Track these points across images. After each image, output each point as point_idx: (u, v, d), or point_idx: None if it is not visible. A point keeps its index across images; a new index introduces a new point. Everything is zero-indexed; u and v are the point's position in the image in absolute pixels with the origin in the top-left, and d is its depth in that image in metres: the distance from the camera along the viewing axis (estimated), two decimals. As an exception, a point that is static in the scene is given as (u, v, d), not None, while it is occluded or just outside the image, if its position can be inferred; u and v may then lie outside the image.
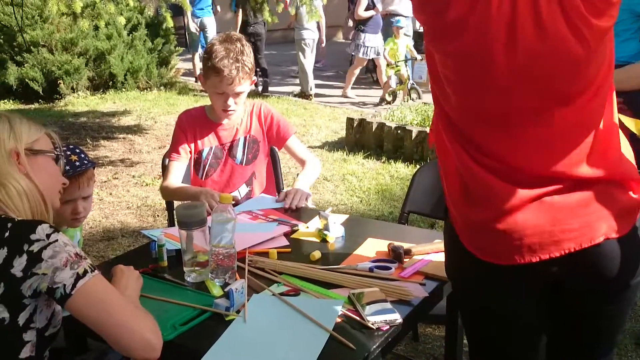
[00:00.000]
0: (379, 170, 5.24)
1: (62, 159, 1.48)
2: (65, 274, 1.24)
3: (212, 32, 9.12)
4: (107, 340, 1.28)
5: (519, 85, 1.21)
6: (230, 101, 2.30)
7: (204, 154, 2.41)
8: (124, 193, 4.73)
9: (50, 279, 1.23)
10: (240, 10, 8.67)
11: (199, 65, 9.48)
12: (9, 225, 1.27)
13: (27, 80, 7.75)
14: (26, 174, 1.36)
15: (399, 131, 5.57)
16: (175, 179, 2.36)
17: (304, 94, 8.55)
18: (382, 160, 5.49)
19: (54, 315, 1.34)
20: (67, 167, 1.72)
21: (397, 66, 7.81)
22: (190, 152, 2.41)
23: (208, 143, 2.42)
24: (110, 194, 4.71)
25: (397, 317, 1.43)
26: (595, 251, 1.26)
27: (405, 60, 7.81)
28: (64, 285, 1.24)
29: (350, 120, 6.02)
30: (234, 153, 2.43)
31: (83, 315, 1.27)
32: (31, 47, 7.80)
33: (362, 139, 5.86)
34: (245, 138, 2.44)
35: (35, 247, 1.24)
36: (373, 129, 5.77)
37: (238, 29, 8.54)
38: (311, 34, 8.32)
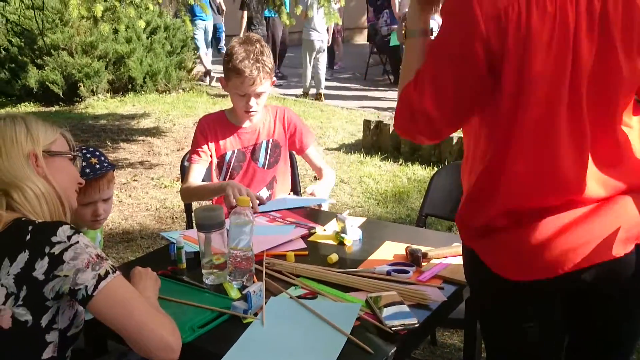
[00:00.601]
0: (396, 173, 5.23)
1: (78, 159, 1.49)
2: (87, 275, 1.25)
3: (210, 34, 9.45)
4: (127, 341, 1.30)
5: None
6: (252, 102, 2.32)
7: (227, 157, 2.43)
8: (143, 195, 4.77)
9: (72, 281, 1.25)
10: (245, 12, 8.83)
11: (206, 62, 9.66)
12: (30, 228, 1.28)
13: (47, 83, 7.85)
14: (44, 176, 1.37)
15: (416, 133, 5.55)
16: (195, 180, 2.38)
17: (305, 94, 8.63)
18: (399, 163, 5.47)
19: (76, 316, 1.35)
20: (87, 170, 1.74)
21: None
22: (211, 155, 2.42)
23: (230, 146, 2.43)
24: (130, 195, 4.75)
25: (415, 321, 1.43)
26: (627, 258, 1.27)
27: None
28: (86, 286, 1.25)
29: (367, 123, 6.01)
30: (256, 156, 2.44)
31: (104, 315, 1.28)
32: (52, 50, 7.90)
33: (379, 141, 5.85)
34: (268, 142, 2.45)
35: (56, 250, 1.25)
36: (390, 131, 5.75)
37: (242, 30, 8.68)
38: (318, 35, 8.35)
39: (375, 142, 5.89)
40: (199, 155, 2.40)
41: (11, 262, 1.25)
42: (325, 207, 2.35)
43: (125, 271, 1.56)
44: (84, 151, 1.78)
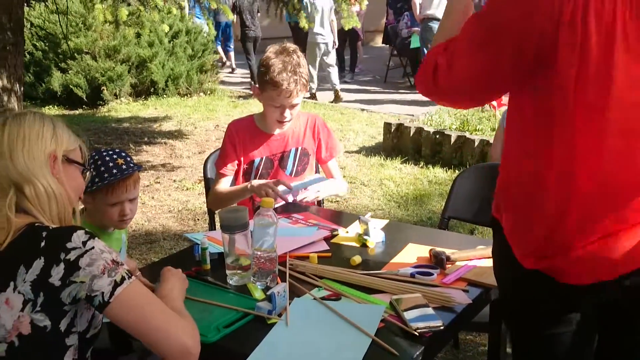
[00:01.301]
0: (417, 176, 5.21)
1: (88, 173, 1.50)
2: (103, 281, 1.25)
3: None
4: (146, 344, 1.30)
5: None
6: (287, 113, 2.31)
7: (255, 164, 2.42)
8: (165, 197, 4.81)
9: (89, 287, 1.25)
10: (237, 15, 8.97)
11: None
12: (44, 234, 1.28)
13: (71, 86, 7.97)
14: (58, 178, 1.37)
15: (437, 136, 5.53)
16: (224, 189, 2.42)
17: (312, 96, 8.68)
18: (420, 165, 5.45)
19: (94, 317, 1.36)
20: (115, 171, 1.76)
21: None
22: (239, 163, 2.42)
23: (259, 153, 2.42)
24: (152, 198, 4.80)
25: (440, 324, 1.42)
26: None
27: None
28: (102, 293, 1.25)
29: (387, 125, 6.00)
30: (284, 164, 2.44)
31: (121, 321, 1.28)
32: (75, 54, 8.02)
33: (400, 144, 5.84)
34: (296, 149, 2.45)
35: (72, 256, 1.25)
36: (411, 134, 5.74)
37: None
38: (322, 37, 8.37)
39: (395, 144, 5.88)
40: (227, 167, 2.41)
41: (27, 269, 1.25)
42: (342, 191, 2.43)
43: (149, 272, 1.59)
44: (111, 152, 1.80)
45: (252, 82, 9.82)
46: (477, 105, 1.49)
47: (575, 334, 1.34)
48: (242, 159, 2.41)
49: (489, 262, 1.74)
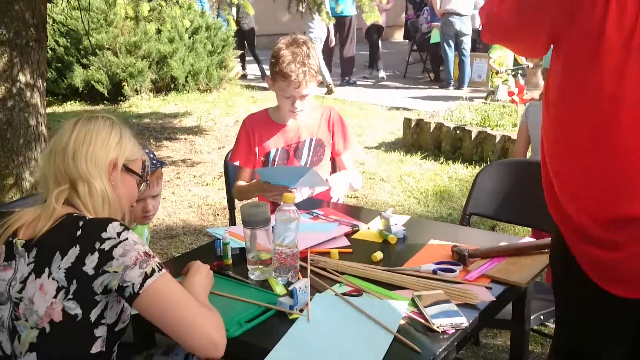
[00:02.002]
0: (437, 172, 5.17)
1: (144, 185, 1.55)
2: (135, 272, 1.28)
3: None
4: (172, 338, 1.31)
5: None
6: (298, 103, 2.34)
7: (271, 156, 2.45)
8: (185, 192, 4.84)
9: (121, 277, 1.27)
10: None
11: None
12: (81, 223, 1.32)
13: (92, 82, 8.04)
14: (114, 184, 1.42)
15: (457, 131, 5.49)
16: (245, 180, 2.47)
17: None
18: (440, 161, 5.42)
19: (123, 311, 1.38)
20: None
21: (508, 74, 7.07)
22: (256, 155, 2.45)
23: (274, 145, 2.45)
24: (173, 193, 4.83)
25: (463, 321, 1.41)
26: None
27: (517, 70, 6.73)
28: (133, 284, 1.27)
29: (407, 121, 5.97)
30: (299, 154, 2.45)
31: (149, 313, 1.30)
32: (96, 50, 8.09)
33: (420, 140, 5.80)
34: (311, 140, 2.46)
35: (106, 245, 1.28)
36: (431, 130, 5.70)
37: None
38: (318, 32, 8.36)
39: (415, 140, 5.84)
40: (246, 157, 2.45)
41: (62, 256, 1.28)
42: (335, 199, 2.39)
43: (170, 267, 1.59)
44: None
45: (261, 74, 9.90)
46: (528, 48, 1.48)
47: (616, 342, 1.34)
48: (257, 150, 2.44)
49: (512, 259, 1.74)
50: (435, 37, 9.23)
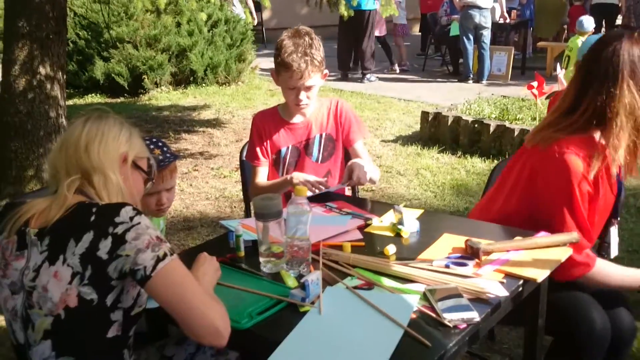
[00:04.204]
0: (454, 165, 5.14)
1: (150, 183, 1.59)
2: (147, 255, 1.29)
3: None
4: (178, 323, 1.33)
5: None
6: (302, 95, 2.31)
7: (282, 153, 2.43)
8: (203, 184, 4.87)
9: (133, 261, 1.29)
10: None
11: None
12: (94, 209, 1.34)
13: (113, 75, 8.11)
14: (124, 177, 1.45)
15: (476, 125, 5.44)
16: (262, 180, 2.43)
17: None
18: (458, 155, 5.38)
19: (139, 295, 1.40)
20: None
21: None
22: (268, 153, 2.43)
23: (284, 142, 2.43)
24: (191, 185, 4.86)
25: (474, 316, 1.40)
26: None
27: None
28: (145, 267, 1.29)
29: (425, 114, 5.93)
30: (310, 151, 2.44)
31: (159, 296, 1.32)
32: (117, 43, 8.14)
33: (437, 133, 5.76)
34: (321, 135, 2.44)
35: (119, 230, 1.30)
36: (449, 123, 5.66)
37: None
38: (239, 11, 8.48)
39: (433, 133, 5.81)
40: (260, 157, 2.42)
41: (76, 242, 1.30)
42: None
43: (186, 258, 1.60)
44: (148, 142, 1.83)
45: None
46: None
47: None
48: (269, 149, 2.43)
49: (527, 254, 1.72)
50: (454, 30, 9.14)
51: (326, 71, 2.37)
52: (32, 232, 1.36)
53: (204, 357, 1.66)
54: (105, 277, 1.30)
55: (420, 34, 12.32)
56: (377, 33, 9.25)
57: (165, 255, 1.31)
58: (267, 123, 2.44)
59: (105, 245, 1.29)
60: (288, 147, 2.43)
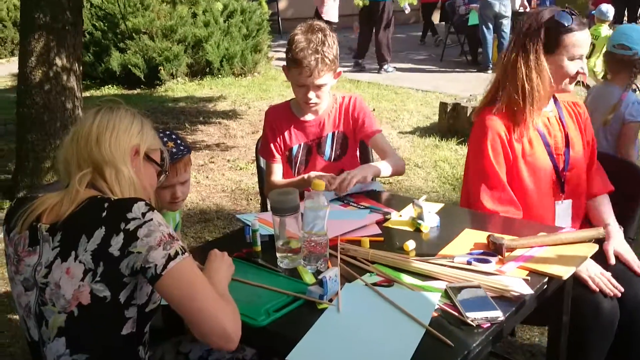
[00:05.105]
0: (474, 157, 5.05)
1: (164, 175, 1.56)
2: (158, 253, 1.26)
3: None
4: (187, 323, 1.30)
5: None
6: (311, 94, 2.21)
7: (294, 151, 2.36)
8: (219, 177, 4.85)
9: (144, 258, 1.26)
10: None
11: None
12: (106, 205, 1.31)
13: (129, 66, 8.12)
14: (136, 170, 1.42)
15: (496, 116, 5.35)
16: (277, 177, 2.37)
17: None
18: (477, 147, 5.29)
19: (154, 291, 1.37)
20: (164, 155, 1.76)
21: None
22: (282, 150, 2.37)
23: (296, 140, 2.35)
24: (207, 177, 4.85)
25: (499, 315, 1.35)
26: None
27: None
28: (155, 265, 1.26)
29: (443, 105, 5.85)
30: (322, 150, 2.36)
31: (169, 295, 1.29)
32: (133, 34, 8.15)
33: (456, 124, 5.68)
34: (333, 134, 2.36)
35: (131, 226, 1.27)
36: (468, 114, 5.56)
37: None
38: None
39: (451, 125, 5.72)
40: (275, 154, 2.36)
41: (88, 238, 1.28)
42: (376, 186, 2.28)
43: (202, 253, 1.58)
44: (161, 135, 1.80)
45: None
46: None
47: None
48: (282, 145, 2.36)
49: (551, 250, 1.66)
50: (473, 19, 9.02)
51: (340, 70, 2.28)
52: (44, 227, 1.33)
53: (220, 354, 1.64)
54: (118, 274, 1.28)
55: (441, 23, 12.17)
56: None
57: (177, 253, 1.28)
58: (279, 119, 2.37)
59: (117, 242, 1.26)
60: (300, 145, 2.36)
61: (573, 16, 1.96)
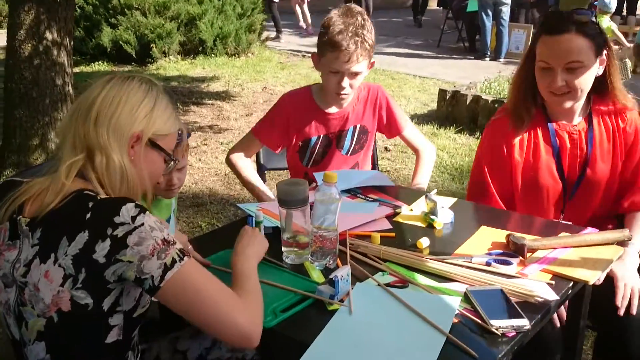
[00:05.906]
0: (472, 147, 4.97)
1: (172, 164, 1.38)
2: (153, 264, 1.14)
3: None
4: (201, 329, 1.20)
5: None
6: (345, 82, 2.07)
7: (312, 142, 2.23)
8: (212, 160, 4.72)
9: (138, 269, 1.14)
10: None
11: None
12: (90, 204, 1.17)
13: (120, 42, 7.92)
14: (133, 159, 1.27)
15: (496, 105, 5.26)
16: (249, 163, 2.27)
17: None
18: (476, 136, 5.21)
19: (142, 295, 1.26)
20: None
21: None
22: (290, 139, 2.23)
23: (316, 132, 2.22)
24: (200, 160, 4.72)
25: (525, 323, 1.26)
26: None
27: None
28: (152, 276, 1.15)
29: (442, 92, 5.75)
30: (342, 143, 2.24)
31: (173, 305, 1.18)
32: (125, 10, 7.94)
33: (455, 112, 5.59)
34: (355, 127, 2.24)
35: (119, 232, 1.14)
36: (467, 102, 5.48)
37: None
38: None
39: (450, 113, 5.63)
40: (274, 139, 2.23)
41: (69, 241, 1.15)
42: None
43: (198, 244, 1.48)
44: None
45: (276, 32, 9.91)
46: None
47: None
48: (294, 136, 2.22)
49: (574, 252, 1.57)
50: (472, 5, 8.90)
51: (374, 60, 2.15)
52: (24, 221, 1.20)
53: (220, 352, 1.54)
54: (102, 281, 1.15)
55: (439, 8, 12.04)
56: None
57: (173, 262, 1.16)
58: (298, 110, 2.20)
59: (102, 248, 1.13)
60: (319, 137, 2.22)
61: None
